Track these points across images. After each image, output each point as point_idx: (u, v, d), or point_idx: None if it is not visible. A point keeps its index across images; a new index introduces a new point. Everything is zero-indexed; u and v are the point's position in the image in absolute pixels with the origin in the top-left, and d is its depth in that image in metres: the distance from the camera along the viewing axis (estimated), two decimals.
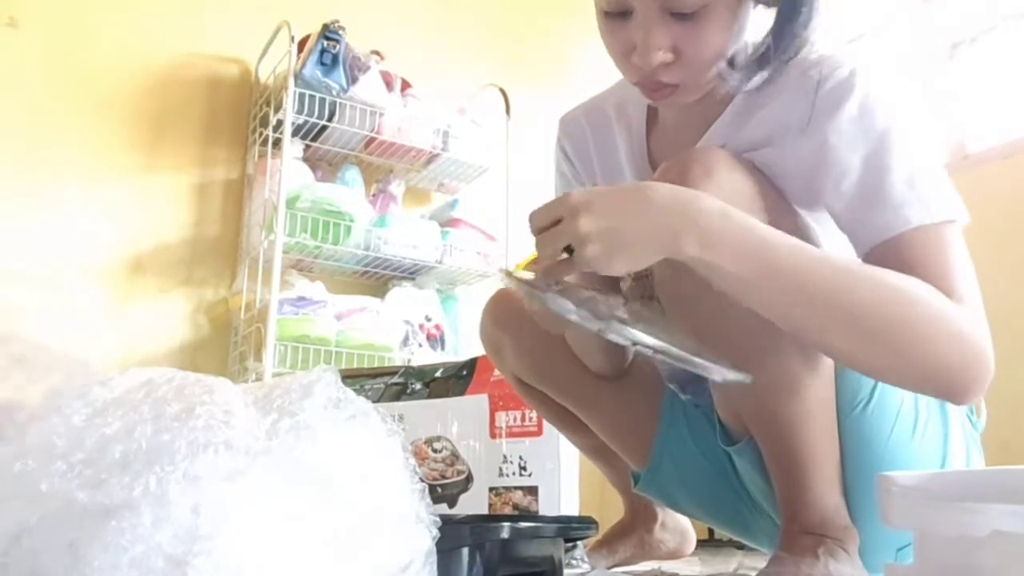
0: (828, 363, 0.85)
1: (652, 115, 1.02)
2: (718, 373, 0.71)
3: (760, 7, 0.83)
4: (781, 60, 0.83)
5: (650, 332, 0.71)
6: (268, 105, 2.37)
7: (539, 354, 1.10)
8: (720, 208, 0.73)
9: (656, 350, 0.69)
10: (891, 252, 0.78)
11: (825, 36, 0.85)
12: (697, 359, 0.69)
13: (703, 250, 0.71)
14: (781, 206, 0.86)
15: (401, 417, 1.70)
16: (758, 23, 0.85)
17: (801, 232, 0.86)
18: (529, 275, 0.81)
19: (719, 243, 0.71)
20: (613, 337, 0.69)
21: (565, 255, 0.76)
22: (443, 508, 1.63)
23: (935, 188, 0.79)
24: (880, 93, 0.81)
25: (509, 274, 0.80)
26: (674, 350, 0.69)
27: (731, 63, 0.82)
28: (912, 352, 0.73)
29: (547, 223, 0.73)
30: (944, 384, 0.75)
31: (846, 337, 0.74)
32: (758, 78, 0.84)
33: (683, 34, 0.81)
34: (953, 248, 0.78)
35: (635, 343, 0.69)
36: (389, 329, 2.31)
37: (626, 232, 0.71)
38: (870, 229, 0.79)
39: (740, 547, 1.18)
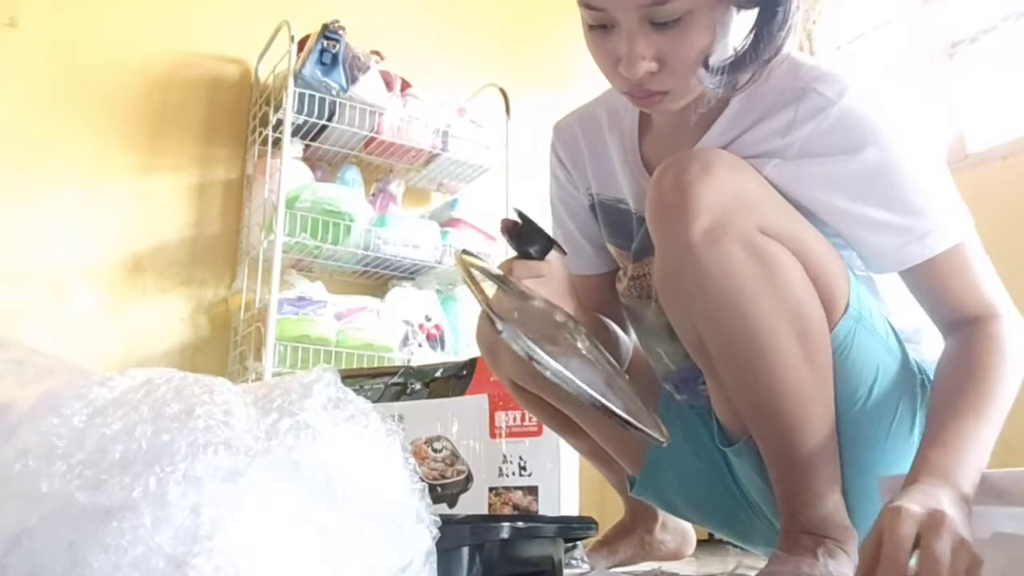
0: (827, 361, 0.85)
1: (645, 120, 1.02)
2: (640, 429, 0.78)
3: (742, 11, 0.83)
4: (760, 61, 0.83)
5: (583, 374, 0.76)
6: (268, 105, 2.37)
7: None
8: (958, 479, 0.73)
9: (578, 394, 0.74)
10: (919, 277, 0.85)
11: (826, 36, 0.86)
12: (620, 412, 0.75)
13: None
14: (782, 207, 0.86)
15: (401, 417, 1.70)
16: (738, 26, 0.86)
17: (803, 231, 0.86)
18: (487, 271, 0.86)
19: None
20: (546, 370, 0.73)
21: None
22: (443, 508, 1.63)
23: (950, 206, 0.84)
24: (884, 116, 0.84)
25: (466, 263, 0.84)
26: (593, 395, 0.75)
27: (706, 66, 0.82)
28: (1013, 392, 0.81)
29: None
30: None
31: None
32: (741, 80, 0.85)
33: (665, 43, 0.81)
34: (975, 260, 0.85)
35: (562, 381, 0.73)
36: (389, 329, 2.31)
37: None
38: (894, 258, 0.85)
39: (740, 547, 1.18)
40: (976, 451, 0.75)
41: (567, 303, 0.99)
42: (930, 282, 0.86)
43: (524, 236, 0.94)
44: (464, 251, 0.89)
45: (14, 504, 0.48)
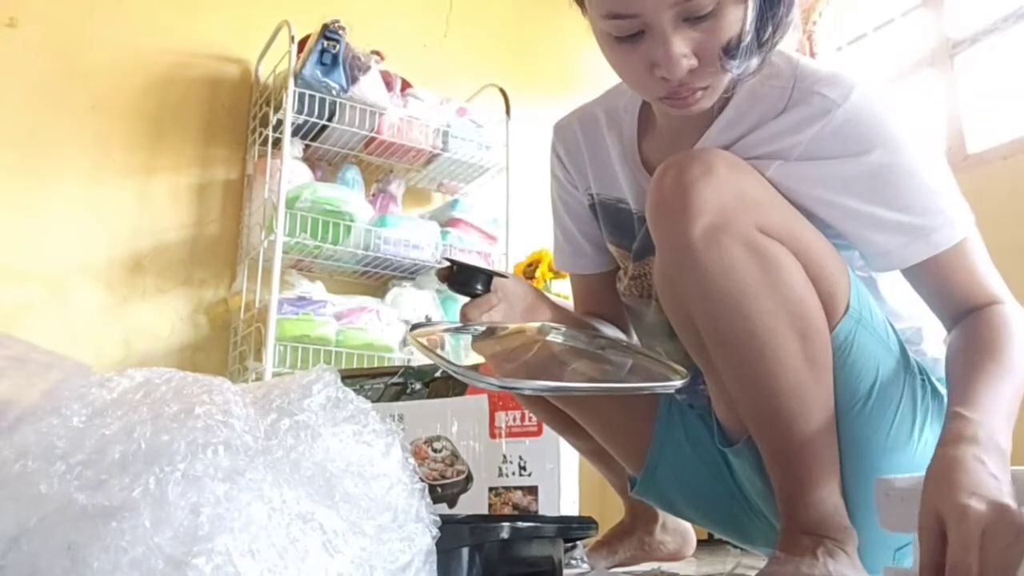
0: (827, 362, 0.85)
1: (644, 121, 1.02)
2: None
3: None
4: (772, 43, 0.83)
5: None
6: (268, 105, 2.37)
7: None
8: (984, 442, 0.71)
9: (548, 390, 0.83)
10: (924, 272, 0.86)
11: (826, 37, 0.86)
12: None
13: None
14: (783, 207, 0.86)
15: (401, 417, 1.70)
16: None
17: (803, 231, 0.86)
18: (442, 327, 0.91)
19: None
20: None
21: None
22: (443, 508, 1.63)
23: (954, 204, 0.85)
24: (889, 118, 0.84)
25: (418, 338, 0.88)
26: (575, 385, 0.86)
27: (728, 52, 0.81)
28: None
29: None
30: None
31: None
32: (752, 67, 0.84)
33: (700, 36, 0.80)
34: (977, 254, 0.86)
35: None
36: (389, 329, 2.31)
37: None
38: (899, 256, 0.86)
39: (740, 547, 1.18)
40: (1005, 407, 0.75)
41: (537, 313, 1.03)
42: (934, 277, 0.87)
43: (462, 280, 0.98)
44: (413, 327, 0.93)
45: (13, 505, 0.48)
